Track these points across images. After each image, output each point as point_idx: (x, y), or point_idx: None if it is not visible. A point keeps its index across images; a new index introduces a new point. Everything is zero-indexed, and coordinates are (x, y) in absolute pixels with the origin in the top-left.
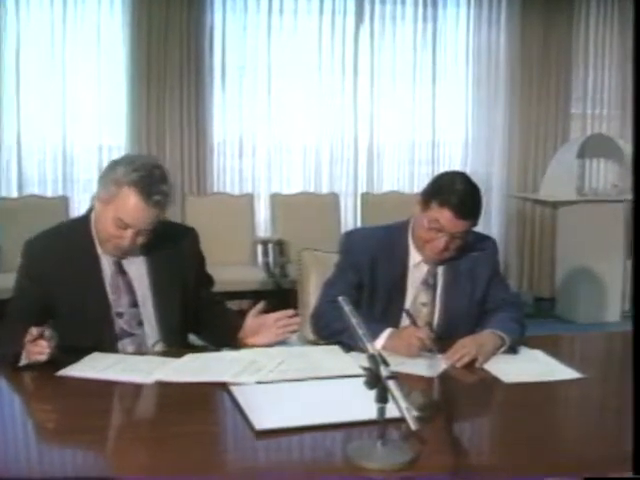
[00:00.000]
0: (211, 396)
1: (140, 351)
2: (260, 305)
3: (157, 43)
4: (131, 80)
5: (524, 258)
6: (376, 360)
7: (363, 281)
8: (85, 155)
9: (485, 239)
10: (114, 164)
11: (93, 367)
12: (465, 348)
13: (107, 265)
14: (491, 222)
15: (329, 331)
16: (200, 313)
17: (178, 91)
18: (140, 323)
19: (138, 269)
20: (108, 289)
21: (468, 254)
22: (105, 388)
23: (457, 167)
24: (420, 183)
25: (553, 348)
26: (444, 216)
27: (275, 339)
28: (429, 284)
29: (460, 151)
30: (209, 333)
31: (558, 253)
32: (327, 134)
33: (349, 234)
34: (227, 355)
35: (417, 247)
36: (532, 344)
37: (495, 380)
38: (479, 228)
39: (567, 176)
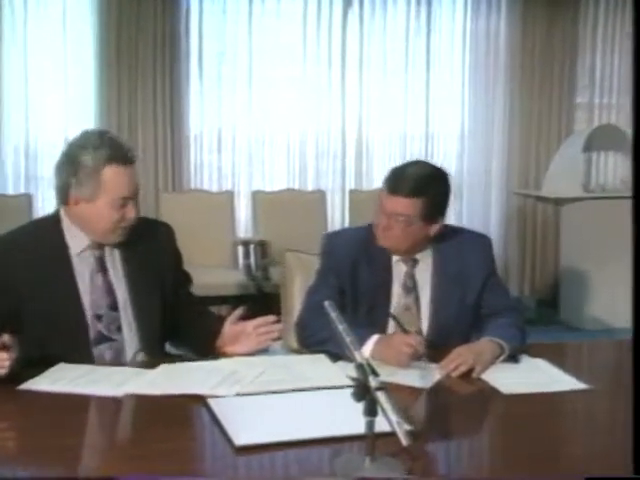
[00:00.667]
0: (187, 410)
1: (118, 359)
2: (239, 311)
3: (128, 27)
4: (100, 68)
5: (525, 259)
6: (364, 370)
7: (344, 285)
8: (50, 150)
9: (477, 237)
10: (70, 161)
11: (59, 379)
12: (461, 357)
13: (85, 264)
14: (490, 221)
15: (314, 340)
16: (178, 315)
17: (151, 79)
18: (119, 328)
19: (117, 268)
20: (83, 290)
21: (457, 254)
22: (73, 403)
23: (453, 162)
24: None
25: (557, 357)
26: (381, 195)
27: (255, 347)
28: (408, 287)
29: (456, 145)
30: (188, 338)
31: (562, 254)
32: (313, 127)
33: (329, 237)
34: (204, 365)
35: (376, 234)
36: (534, 352)
37: (494, 391)
38: (477, 227)
39: (572, 171)
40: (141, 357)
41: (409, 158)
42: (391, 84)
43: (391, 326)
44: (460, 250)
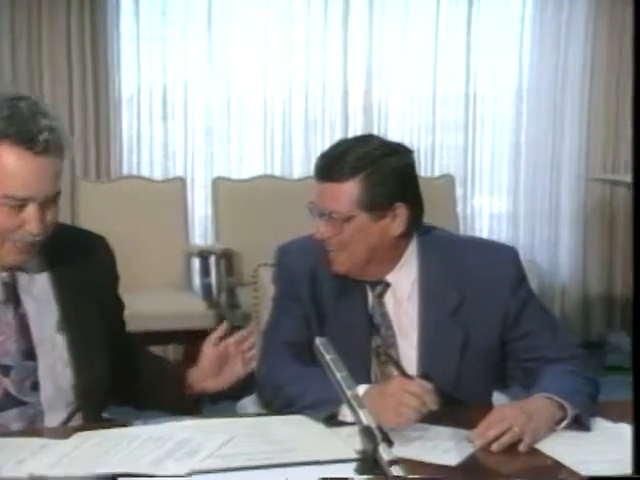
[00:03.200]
0: None
1: (33, 431)
2: (222, 327)
3: None
4: None
5: (614, 276)
6: (373, 436)
7: (308, 314)
8: None
9: (489, 248)
10: None
11: None
12: (505, 421)
13: None
14: (559, 218)
15: (284, 398)
16: (123, 359)
17: (64, 17)
18: (35, 385)
19: (38, 299)
20: None
21: (452, 269)
22: None
23: (505, 133)
24: (445, 160)
25: None
26: (316, 188)
27: (245, 371)
28: (376, 324)
29: (509, 110)
30: (131, 391)
31: None
32: (300, 86)
33: (278, 252)
34: (142, 432)
35: None
36: (614, 413)
37: (558, 468)
38: (538, 225)
39: None
40: (78, 420)
41: (440, 130)
42: (415, 23)
43: (375, 369)
44: (460, 270)
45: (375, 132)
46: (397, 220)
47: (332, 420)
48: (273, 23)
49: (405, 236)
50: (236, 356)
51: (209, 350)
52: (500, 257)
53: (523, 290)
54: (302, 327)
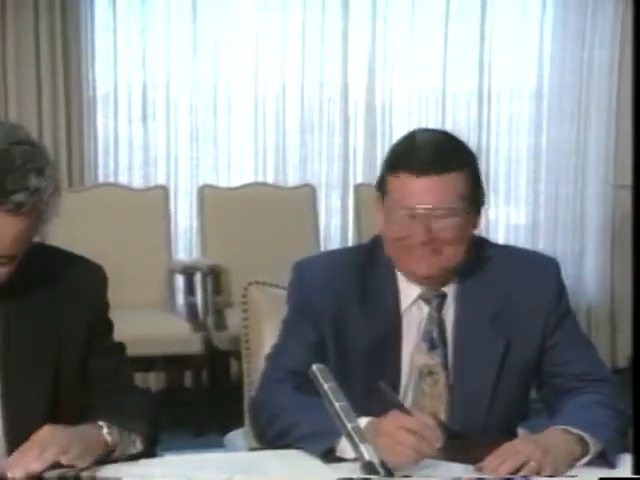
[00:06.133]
0: None
1: None
2: None
3: None
4: None
5: None
6: (375, 471)
7: (326, 341)
8: None
9: (535, 260)
10: None
11: None
12: (519, 455)
13: None
14: (584, 230)
15: (271, 431)
16: (87, 399)
17: (31, 6)
18: None
19: None
20: None
21: (495, 285)
22: None
23: (524, 136)
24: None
25: None
26: (402, 184)
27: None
28: (434, 339)
29: (528, 108)
30: None
31: None
32: (296, 84)
33: (297, 268)
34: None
35: (400, 269)
36: None
37: None
38: (562, 237)
39: None
40: None
41: (451, 130)
42: (423, 11)
43: (403, 401)
44: (502, 279)
45: (378, 134)
46: (477, 223)
47: (329, 455)
48: (265, 12)
49: None
50: None
51: None
52: (543, 268)
53: (563, 304)
54: (311, 356)
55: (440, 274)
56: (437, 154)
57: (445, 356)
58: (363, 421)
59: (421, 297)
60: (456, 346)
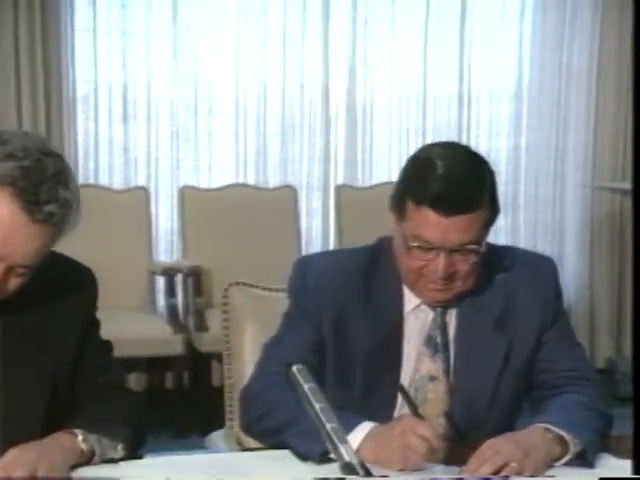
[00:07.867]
0: None
1: None
2: None
3: None
4: None
5: (623, 294)
6: (355, 471)
7: (325, 341)
8: None
9: (533, 259)
10: None
11: None
12: (498, 455)
13: None
14: (564, 232)
15: (265, 424)
16: (75, 398)
17: (10, 6)
18: None
19: None
20: None
21: (498, 287)
22: None
23: (503, 137)
24: None
25: None
26: (425, 221)
27: None
28: (436, 343)
29: (507, 111)
30: None
31: None
32: (277, 85)
33: (304, 264)
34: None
35: (412, 291)
36: (620, 449)
37: None
38: (541, 242)
39: None
40: None
41: (431, 133)
42: (403, 13)
43: (401, 407)
44: (504, 280)
45: (359, 135)
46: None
47: (325, 456)
48: (245, 13)
49: None
50: None
51: None
52: (542, 267)
53: (559, 303)
54: (307, 352)
55: (454, 298)
56: (466, 193)
57: (447, 360)
58: (367, 426)
59: (425, 302)
60: (459, 350)
